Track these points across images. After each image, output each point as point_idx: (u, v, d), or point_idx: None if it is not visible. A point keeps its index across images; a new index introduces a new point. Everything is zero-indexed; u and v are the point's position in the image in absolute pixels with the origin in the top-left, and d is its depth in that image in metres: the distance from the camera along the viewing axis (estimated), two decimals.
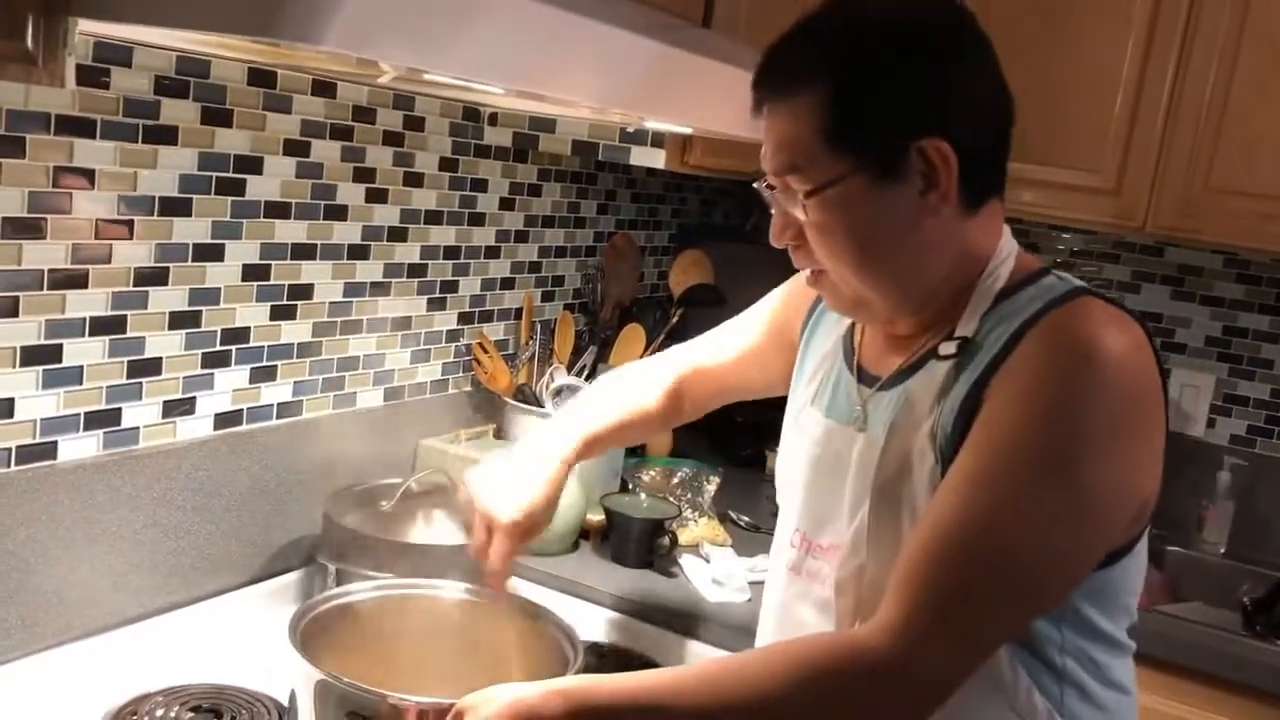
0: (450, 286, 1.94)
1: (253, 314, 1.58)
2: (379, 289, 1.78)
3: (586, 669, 1.22)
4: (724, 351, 1.44)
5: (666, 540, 1.83)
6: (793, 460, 1.20)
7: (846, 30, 1.03)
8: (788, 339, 1.31)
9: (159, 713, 1.27)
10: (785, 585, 1.18)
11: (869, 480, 1.08)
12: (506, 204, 2.03)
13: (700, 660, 1.57)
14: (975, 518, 0.96)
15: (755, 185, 1.10)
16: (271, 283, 1.60)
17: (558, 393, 2.02)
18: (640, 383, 1.44)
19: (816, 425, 1.17)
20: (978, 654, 0.98)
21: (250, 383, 1.60)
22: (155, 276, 1.44)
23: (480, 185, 1.95)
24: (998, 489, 0.97)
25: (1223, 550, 2.36)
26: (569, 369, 2.08)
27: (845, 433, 1.13)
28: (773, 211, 1.09)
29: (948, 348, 1.05)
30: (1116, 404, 0.97)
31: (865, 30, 1.02)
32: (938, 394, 1.04)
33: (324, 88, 1.60)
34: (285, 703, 1.26)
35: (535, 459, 1.31)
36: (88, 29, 1.13)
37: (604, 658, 1.53)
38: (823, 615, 1.12)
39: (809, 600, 1.14)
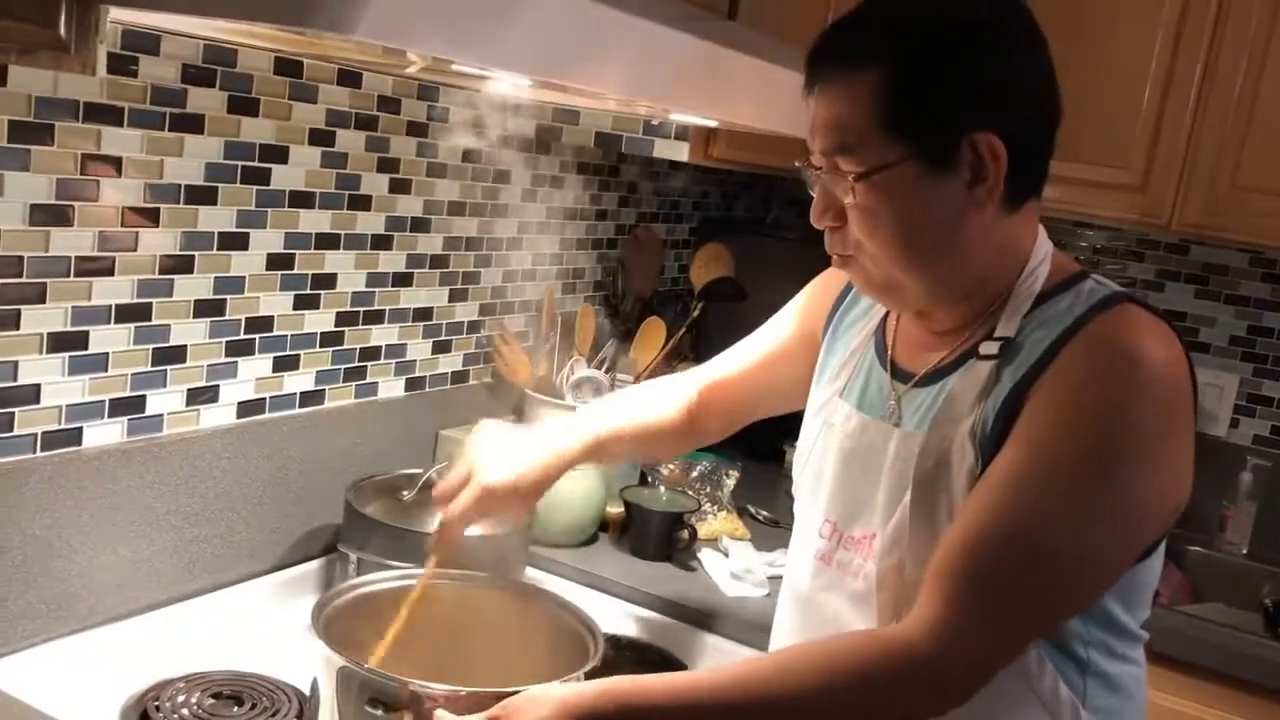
0: (472, 278, 1.94)
1: (276, 303, 1.58)
2: (401, 279, 1.79)
3: (605, 662, 1.22)
4: (747, 358, 1.40)
5: (685, 534, 1.83)
6: (818, 453, 1.20)
7: (911, 17, 1.03)
8: (814, 337, 1.31)
9: (180, 699, 1.27)
10: (813, 575, 1.18)
11: (908, 475, 1.08)
12: (529, 196, 2.03)
13: (718, 652, 1.58)
14: (1017, 517, 0.98)
15: (798, 164, 1.10)
16: (295, 272, 1.60)
17: (577, 385, 2.02)
18: (660, 395, 1.42)
19: (848, 418, 1.17)
20: (1013, 651, 0.99)
21: (273, 371, 1.60)
22: (181, 265, 1.44)
23: (503, 176, 1.95)
24: (1040, 489, 0.98)
25: (1245, 551, 2.34)
26: (589, 361, 2.08)
27: (879, 427, 1.13)
28: (813, 192, 1.09)
29: (989, 347, 1.06)
30: (1158, 410, 0.98)
31: (930, 19, 1.02)
32: (979, 393, 1.05)
33: (349, 78, 1.60)
34: (305, 690, 1.26)
35: (539, 442, 1.29)
36: (118, 17, 1.14)
37: (621, 650, 1.53)
38: (855, 606, 1.12)
39: (840, 591, 1.14)
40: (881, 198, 1.02)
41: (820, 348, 1.28)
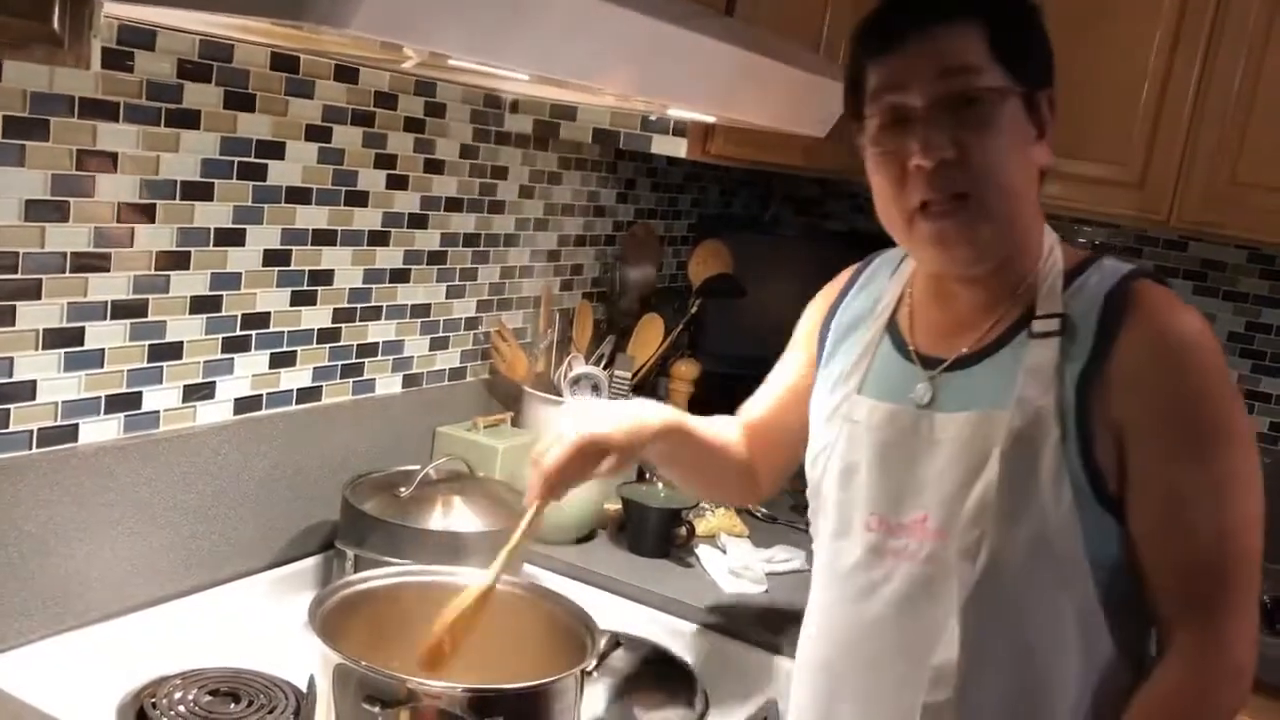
0: (470, 274, 1.93)
1: (273, 299, 1.58)
2: (399, 276, 1.78)
3: (603, 658, 1.22)
4: (771, 395, 1.41)
5: (683, 530, 1.83)
6: (844, 451, 1.21)
7: None
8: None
9: (177, 695, 1.27)
10: (865, 568, 1.18)
11: (976, 453, 1.11)
12: (526, 192, 2.02)
13: (716, 649, 1.57)
14: (1206, 520, 1.07)
15: (899, 100, 1.11)
16: (292, 268, 1.60)
17: (576, 381, 2.02)
18: (724, 422, 1.44)
19: (873, 411, 1.19)
20: (1252, 627, 1.08)
21: (270, 368, 1.60)
22: (177, 261, 1.44)
23: (500, 173, 1.95)
24: (1203, 498, 1.07)
25: None
26: (587, 358, 2.07)
27: (910, 413, 1.16)
28: (910, 143, 1.10)
29: (1045, 324, 1.11)
30: (1225, 375, 1.09)
31: None
32: (1056, 368, 1.09)
33: (346, 73, 1.60)
34: (302, 687, 1.26)
35: (626, 409, 1.32)
36: (113, 11, 1.13)
37: (619, 647, 1.53)
38: (913, 588, 1.14)
39: (897, 577, 1.15)
40: (998, 119, 1.08)
41: (820, 350, 1.30)
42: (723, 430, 1.42)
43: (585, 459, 1.24)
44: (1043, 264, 1.13)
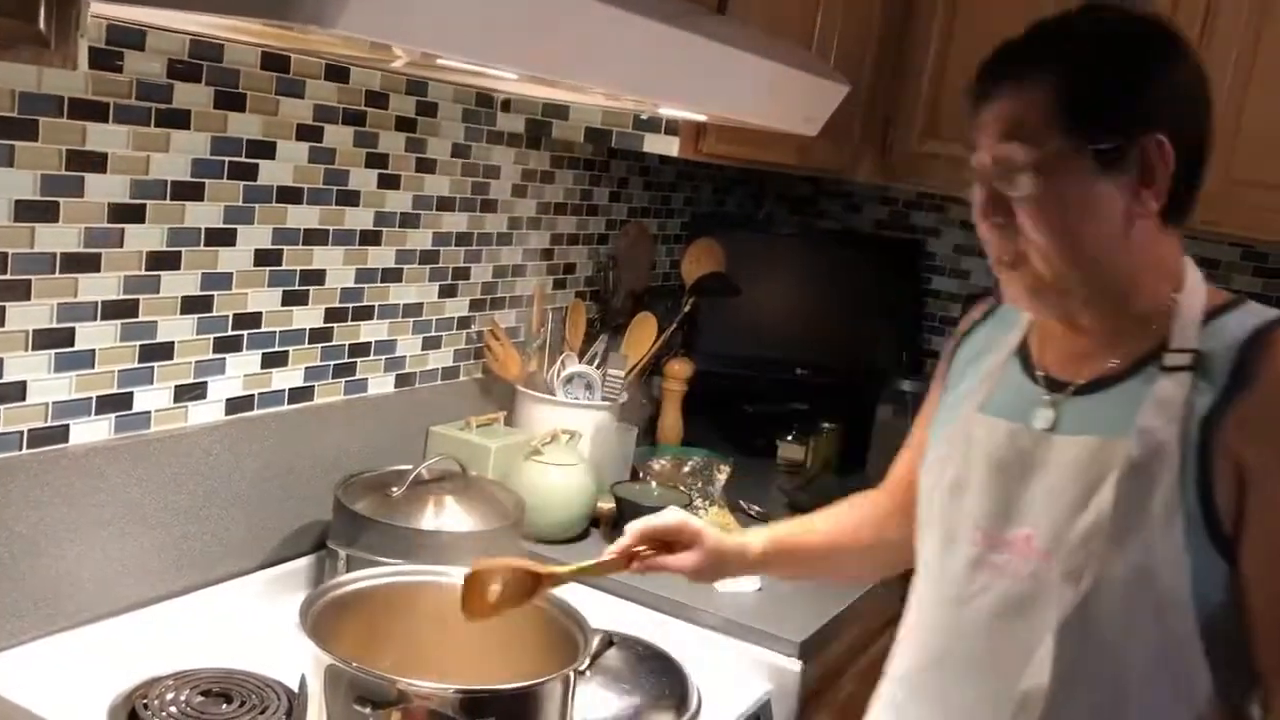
0: (462, 273, 1.93)
1: (264, 299, 1.58)
2: (391, 275, 1.78)
3: (596, 657, 1.22)
4: (910, 443, 1.40)
5: None
6: (958, 466, 1.21)
7: (1088, 25, 1.11)
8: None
9: (169, 696, 1.27)
10: (966, 581, 1.18)
11: (1093, 477, 1.10)
12: (519, 191, 2.02)
13: (708, 647, 1.57)
14: None
15: (972, 160, 1.14)
16: (283, 268, 1.59)
17: (569, 380, 2.02)
18: (841, 507, 1.45)
19: (994, 429, 1.19)
20: None
21: (261, 368, 1.60)
22: (167, 261, 1.44)
23: (492, 172, 1.95)
24: None
25: None
26: (580, 357, 2.07)
27: (1031, 434, 1.16)
28: (975, 195, 1.13)
29: (1177, 358, 1.09)
30: None
31: (1106, 27, 1.11)
32: (1184, 402, 1.07)
33: (337, 72, 1.60)
34: (294, 687, 1.26)
35: (741, 536, 1.38)
36: (101, 11, 1.13)
37: (612, 646, 1.53)
38: (1011, 602, 1.14)
39: (995, 591, 1.15)
40: (1054, 187, 1.07)
41: (944, 387, 1.32)
42: (845, 517, 1.43)
43: (671, 539, 1.31)
44: (1181, 298, 1.12)
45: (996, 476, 1.18)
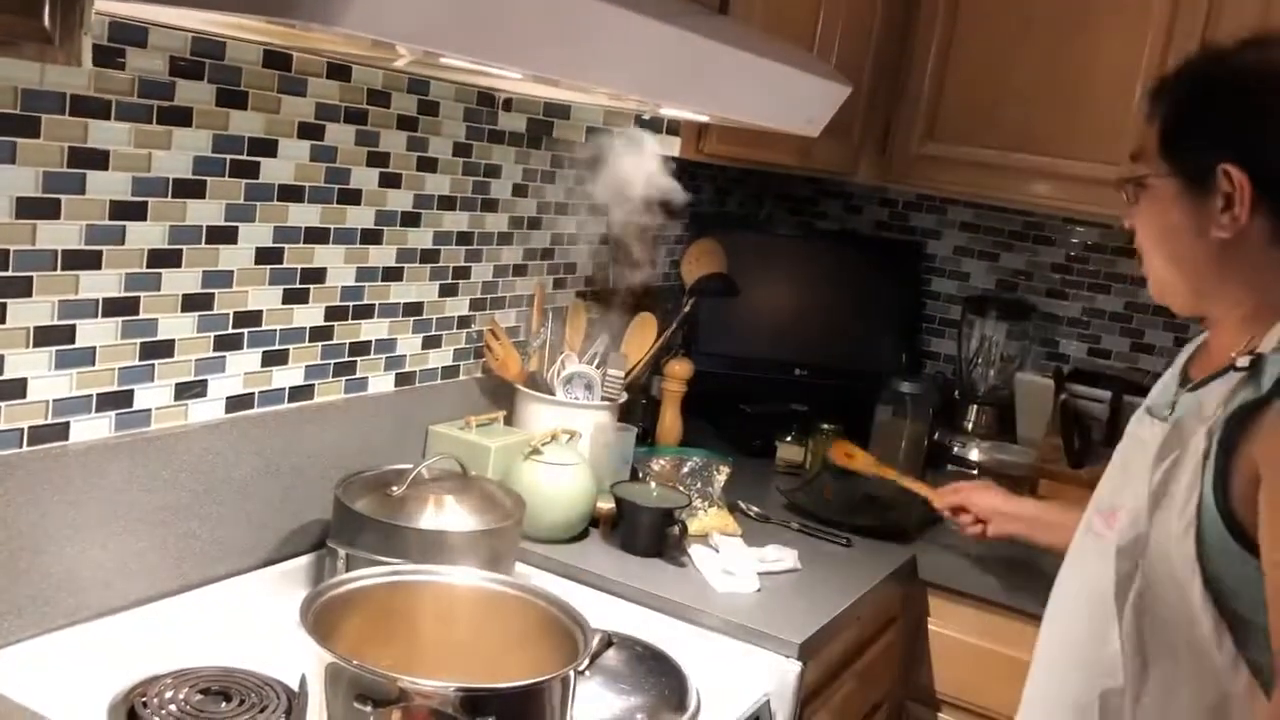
0: (463, 272, 1.93)
1: (265, 297, 1.58)
2: (392, 274, 1.78)
3: (595, 657, 1.22)
4: None
5: (676, 529, 1.82)
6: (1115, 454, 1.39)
7: (1204, 65, 1.29)
8: None
9: (168, 694, 1.27)
10: (1074, 549, 1.38)
11: (1158, 459, 1.23)
12: (520, 190, 2.02)
13: (708, 647, 1.58)
14: None
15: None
16: (284, 266, 1.59)
17: (568, 380, 2.02)
18: None
19: (1138, 421, 1.35)
20: None
21: (262, 366, 1.60)
22: (168, 258, 1.43)
23: (494, 171, 1.95)
24: None
25: None
26: (580, 356, 2.07)
27: (1150, 423, 1.30)
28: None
29: (1244, 360, 1.19)
30: None
31: (1229, 66, 1.25)
32: (1225, 397, 1.19)
33: (339, 71, 1.60)
34: (293, 686, 1.26)
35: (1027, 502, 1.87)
36: (104, 8, 1.13)
37: (611, 646, 1.53)
38: (1097, 568, 1.29)
39: (1088, 557, 1.33)
40: (1148, 207, 1.29)
41: None
42: None
43: (978, 499, 1.87)
44: None
45: (1117, 460, 1.36)
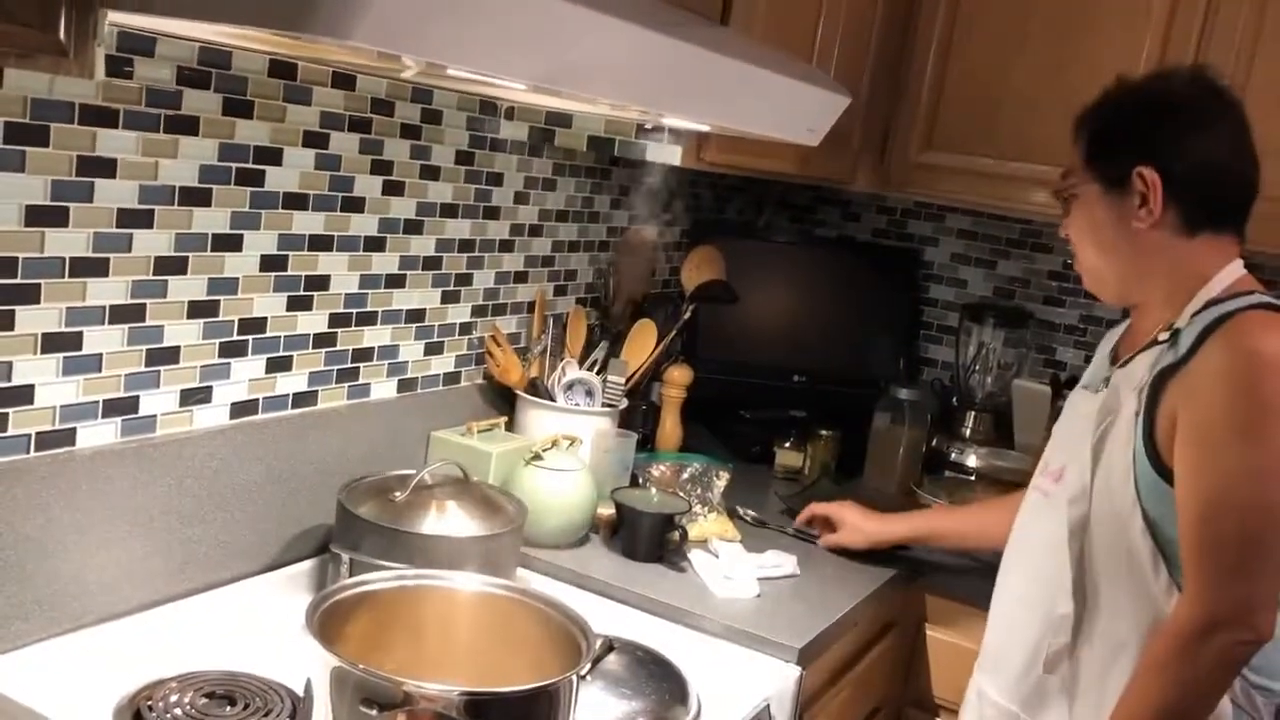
0: (464, 280, 1.95)
1: (270, 304, 1.59)
2: (394, 281, 1.79)
3: (597, 661, 1.23)
4: None
5: (676, 535, 1.84)
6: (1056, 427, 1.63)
7: (1118, 93, 1.51)
8: None
9: (173, 698, 1.28)
10: (1027, 504, 1.60)
11: (1095, 422, 1.47)
12: (521, 198, 2.04)
13: (709, 652, 1.59)
14: (1209, 491, 1.33)
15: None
16: (289, 273, 1.61)
17: (569, 386, 2.03)
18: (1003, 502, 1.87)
19: (1073, 397, 1.60)
20: (1258, 585, 1.32)
21: (266, 372, 1.61)
22: (174, 266, 1.45)
23: (496, 179, 1.96)
24: (1216, 465, 1.33)
25: None
26: (580, 363, 2.08)
27: (1085, 395, 1.55)
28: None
29: (1164, 335, 1.43)
30: (1275, 386, 1.32)
31: (1126, 94, 1.50)
32: (1150, 365, 1.42)
33: (343, 80, 1.61)
34: (297, 690, 1.27)
35: (888, 521, 2.00)
36: (115, 19, 1.14)
37: (612, 650, 1.54)
38: (1045, 516, 1.53)
39: (1039, 510, 1.56)
40: (1079, 211, 1.52)
41: None
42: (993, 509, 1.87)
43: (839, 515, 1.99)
44: (1201, 291, 1.43)
45: (1060, 429, 1.59)
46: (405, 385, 1.87)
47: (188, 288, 1.47)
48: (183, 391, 1.50)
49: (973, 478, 2.31)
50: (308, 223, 1.62)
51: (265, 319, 1.59)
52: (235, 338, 1.55)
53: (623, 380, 2.06)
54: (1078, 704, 1.48)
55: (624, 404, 2.07)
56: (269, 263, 1.57)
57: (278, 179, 1.55)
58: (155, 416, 1.47)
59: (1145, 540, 1.40)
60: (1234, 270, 1.45)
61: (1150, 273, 1.47)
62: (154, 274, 1.42)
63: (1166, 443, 1.38)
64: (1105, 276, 1.52)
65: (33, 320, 1.30)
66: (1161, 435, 1.39)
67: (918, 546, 2.00)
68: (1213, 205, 1.45)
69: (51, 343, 1.33)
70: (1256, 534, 1.32)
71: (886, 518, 1.96)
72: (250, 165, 1.51)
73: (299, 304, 1.63)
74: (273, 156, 1.54)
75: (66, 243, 1.32)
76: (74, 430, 1.37)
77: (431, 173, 1.82)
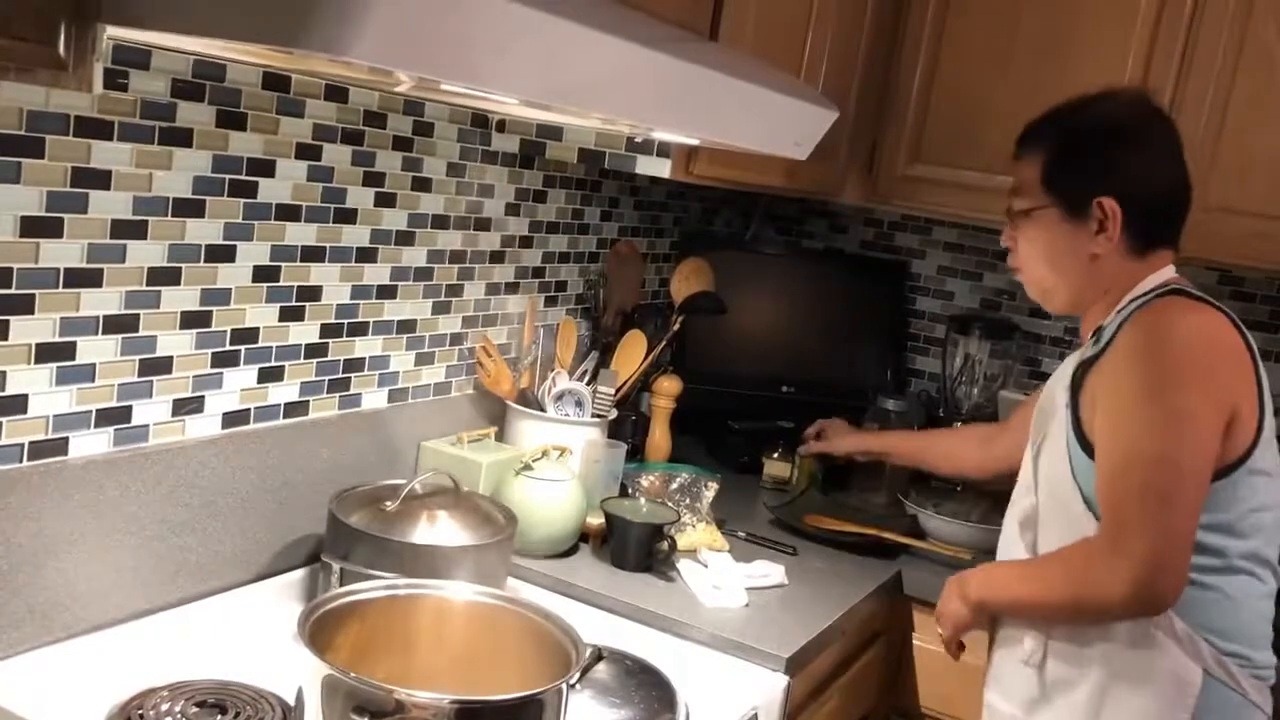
0: (455, 290, 1.96)
1: (262, 315, 1.60)
2: (386, 292, 1.80)
3: (586, 671, 1.24)
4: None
5: (665, 545, 1.85)
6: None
7: (1075, 116, 1.59)
8: None
9: (164, 707, 1.28)
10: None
11: (1035, 422, 1.62)
12: (512, 210, 2.05)
13: (698, 662, 1.60)
14: (1118, 449, 1.43)
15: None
16: (281, 284, 1.62)
17: (559, 397, 2.04)
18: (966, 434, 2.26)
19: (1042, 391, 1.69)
20: (1163, 536, 1.38)
21: (258, 382, 1.62)
22: (168, 276, 1.46)
23: (486, 191, 1.98)
24: (1124, 427, 1.43)
25: None
26: (570, 373, 2.10)
27: (1045, 392, 1.65)
28: (1007, 222, 1.65)
29: (1091, 334, 1.58)
30: (1181, 351, 1.43)
31: (1081, 119, 1.58)
32: (1078, 360, 1.55)
33: (336, 92, 1.62)
34: (288, 699, 1.27)
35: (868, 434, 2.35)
36: (114, 34, 1.15)
37: (601, 660, 1.55)
38: (1011, 508, 1.65)
39: (1013, 507, 1.66)
40: (1035, 230, 1.60)
41: None
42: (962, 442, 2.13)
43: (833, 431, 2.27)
44: (1126, 296, 1.54)
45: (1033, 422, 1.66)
46: (396, 395, 1.88)
47: (181, 298, 1.48)
48: (175, 401, 1.50)
49: (959, 488, 2.32)
50: (300, 234, 1.63)
51: (258, 329, 1.60)
52: (228, 348, 1.56)
53: (612, 391, 2.07)
54: (1066, 692, 1.51)
55: (613, 414, 2.09)
56: (261, 273, 1.58)
57: (271, 190, 1.57)
58: (148, 426, 1.47)
59: (1088, 516, 1.48)
60: (1164, 274, 1.56)
61: (1097, 287, 1.58)
62: (147, 284, 1.43)
63: (1090, 425, 1.48)
64: (1055, 290, 1.62)
65: (27, 330, 1.31)
66: (1085, 419, 1.49)
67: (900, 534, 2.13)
68: (1162, 227, 1.57)
69: (45, 353, 1.34)
70: (1160, 487, 1.38)
71: (865, 433, 2.31)
72: (243, 177, 1.52)
73: (291, 314, 1.64)
74: (266, 168, 1.55)
75: (61, 253, 1.33)
76: (66, 440, 1.38)
77: (423, 184, 1.83)
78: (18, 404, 1.32)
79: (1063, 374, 1.58)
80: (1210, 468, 1.41)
